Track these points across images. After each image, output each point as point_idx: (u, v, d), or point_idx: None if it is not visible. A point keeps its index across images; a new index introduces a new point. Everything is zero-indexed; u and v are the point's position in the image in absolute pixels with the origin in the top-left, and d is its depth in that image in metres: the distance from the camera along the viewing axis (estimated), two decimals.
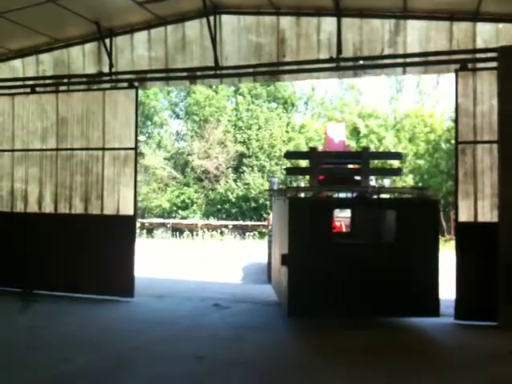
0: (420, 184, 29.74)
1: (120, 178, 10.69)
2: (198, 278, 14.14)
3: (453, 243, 23.95)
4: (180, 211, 33.87)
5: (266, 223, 26.28)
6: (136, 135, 10.70)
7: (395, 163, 28.04)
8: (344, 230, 15.27)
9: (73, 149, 11.07)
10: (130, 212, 10.58)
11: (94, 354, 6.87)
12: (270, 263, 13.36)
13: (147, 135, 39.56)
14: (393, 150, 30.88)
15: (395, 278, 8.10)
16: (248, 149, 34.36)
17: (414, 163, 32.37)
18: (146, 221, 31.05)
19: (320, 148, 16.45)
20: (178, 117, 41.07)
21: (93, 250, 10.55)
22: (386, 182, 17.12)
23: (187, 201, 34.26)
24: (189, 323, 8.71)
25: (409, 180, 31.10)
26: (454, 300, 9.03)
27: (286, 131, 35.13)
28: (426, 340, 8.12)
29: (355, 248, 8.96)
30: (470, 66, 9.09)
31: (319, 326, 8.60)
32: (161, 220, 31.22)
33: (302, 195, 10.80)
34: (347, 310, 8.19)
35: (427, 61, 9.32)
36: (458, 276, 9.01)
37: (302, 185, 19.76)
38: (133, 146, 10.65)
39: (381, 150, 31.69)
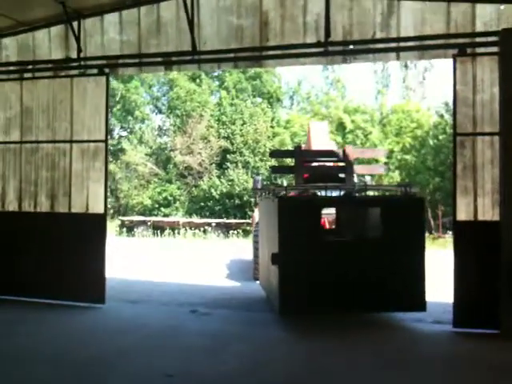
0: (407, 180, 29.21)
1: (89, 173, 9.81)
2: (178, 280, 13.33)
3: (441, 241, 23.70)
4: (162, 208, 32.89)
5: (250, 221, 25.58)
6: (106, 126, 9.82)
7: (381, 159, 27.58)
8: (327, 226, 14.86)
9: (38, 141, 10.16)
10: (101, 210, 9.72)
11: (47, 367, 6.04)
12: (255, 261, 13.15)
13: (128, 130, 38.60)
14: (379, 146, 30.41)
15: (383, 275, 8.25)
16: (232, 144, 33.47)
17: (400, 159, 31.82)
18: (126, 218, 30.05)
19: (303, 146, 16.02)
20: (160, 111, 40.14)
21: (59, 251, 9.69)
22: (367, 179, 16.64)
23: (169, 198, 33.30)
24: (162, 333, 7.87)
25: (395, 176, 30.53)
26: (450, 305, 8.35)
27: (271, 126, 34.34)
28: (423, 353, 7.37)
29: (344, 245, 8.87)
30: (469, 50, 8.36)
31: (307, 330, 8.05)
32: (141, 218, 30.24)
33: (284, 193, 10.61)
34: (337, 307, 8.36)
35: (423, 45, 8.56)
36: (456, 279, 8.30)
37: (285, 183, 20.09)
38: (103, 137, 9.77)
39: (367, 145, 31.14)
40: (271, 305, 9.49)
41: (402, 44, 8.65)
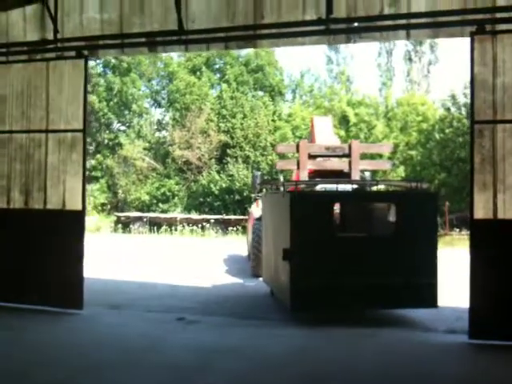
0: (412, 176, 28.31)
1: (66, 166, 8.91)
2: (170, 280, 12.45)
3: (448, 239, 22.74)
4: (160, 204, 32.08)
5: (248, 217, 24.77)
6: (85, 114, 8.89)
7: (385, 154, 26.79)
8: None
9: (11, 131, 9.27)
10: (78, 206, 8.82)
11: None
12: (254, 257, 12.94)
13: (127, 124, 37.74)
14: (383, 141, 29.55)
15: (396, 271, 8.22)
16: (232, 138, 32.50)
17: (405, 154, 30.84)
18: (122, 214, 29.19)
19: (305, 141, 15.45)
20: (159, 105, 39.27)
21: (34, 251, 8.83)
22: (367, 175, 15.91)
23: (168, 193, 32.48)
24: (143, 346, 6.95)
25: (400, 171, 29.59)
26: (463, 310, 7.54)
27: (273, 120, 33.38)
28: (437, 372, 6.43)
29: (356, 241, 8.67)
30: (488, 27, 7.42)
31: (312, 342, 7.33)
32: (138, 214, 29.37)
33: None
34: (349, 304, 8.24)
35: (436, 22, 7.63)
36: (472, 284, 7.38)
37: (281, 178, 19.87)
38: (81, 127, 8.86)
39: (371, 139, 30.24)
40: (279, 301, 9.37)
41: (413, 21, 7.71)
